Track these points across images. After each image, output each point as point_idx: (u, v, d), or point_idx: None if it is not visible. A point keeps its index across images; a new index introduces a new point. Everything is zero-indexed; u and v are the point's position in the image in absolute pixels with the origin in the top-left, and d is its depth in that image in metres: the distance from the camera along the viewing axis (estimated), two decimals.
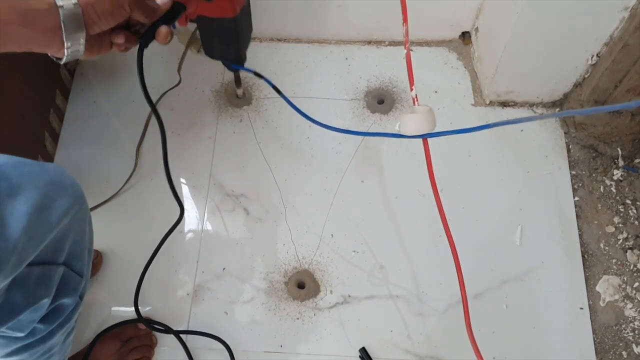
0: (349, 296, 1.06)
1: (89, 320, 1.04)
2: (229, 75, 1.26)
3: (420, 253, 1.10)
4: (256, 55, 1.29)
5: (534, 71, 1.14)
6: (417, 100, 0.82)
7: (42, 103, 1.15)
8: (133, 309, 0.95)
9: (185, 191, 1.16)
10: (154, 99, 1.19)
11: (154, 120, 1.20)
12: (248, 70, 1.13)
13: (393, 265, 1.09)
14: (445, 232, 0.84)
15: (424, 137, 0.82)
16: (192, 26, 1.21)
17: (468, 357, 1.00)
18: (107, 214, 1.12)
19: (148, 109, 1.21)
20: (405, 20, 0.83)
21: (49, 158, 1.16)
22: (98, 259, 1.06)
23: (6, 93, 1.02)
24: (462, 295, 0.84)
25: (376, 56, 1.30)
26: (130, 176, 1.15)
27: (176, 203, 0.82)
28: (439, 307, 1.05)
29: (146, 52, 0.66)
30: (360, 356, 1.01)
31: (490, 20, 1.16)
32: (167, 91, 1.21)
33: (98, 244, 1.10)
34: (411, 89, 0.82)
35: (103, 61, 1.28)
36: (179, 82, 1.21)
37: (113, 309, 1.05)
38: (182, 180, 1.16)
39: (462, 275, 0.84)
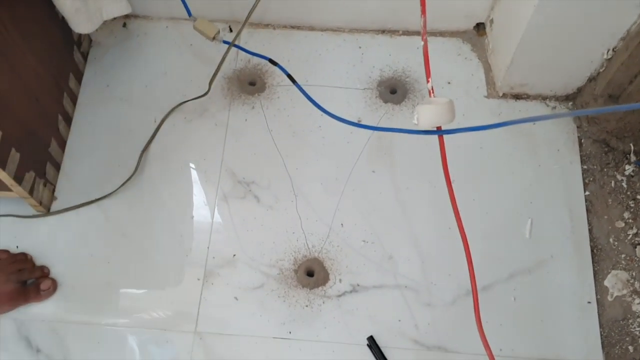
0: (358, 285, 1.07)
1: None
2: (241, 63, 1.26)
3: (429, 244, 1.10)
4: (269, 43, 1.29)
5: (548, 64, 1.14)
6: (432, 92, 0.82)
7: (56, 86, 1.15)
8: None
9: (195, 177, 1.16)
10: (178, 101, 1.20)
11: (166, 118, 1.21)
12: (263, 57, 1.14)
13: (402, 256, 1.09)
14: (458, 224, 0.84)
15: (439, 134, 0.83)
16: (208, 15, 1.22)
17: (475, 348, 1.01)
18: (122, 199, 1.13)
19: (161, 93, 1.22)
20: (423, 11, 0.83)
21: (62, 142, 1.17)
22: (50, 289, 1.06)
23: (22, 76, 1.02)
24: (472, 287, 0.85)
25: (390, 45, 1.29)
26: (139, 162, 1.16)
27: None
28: (447, 298, 1.06)
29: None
30: (368, 344, 1.02)
31: (506, 12, 1.15)
32: (190, 100, 1.21)
33: (114, 231, 1.11)
34: (427, 81, 0.82)
35: (116, 45, 1.28)
36: (206, 93, 1.21)
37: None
38: (193, 165, 1.17)
39: (472, 268, 0.85)
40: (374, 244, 1.10)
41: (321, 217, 1.12)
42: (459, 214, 0.84)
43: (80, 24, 1.07)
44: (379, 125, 1.20)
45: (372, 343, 1.01)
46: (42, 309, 1.05)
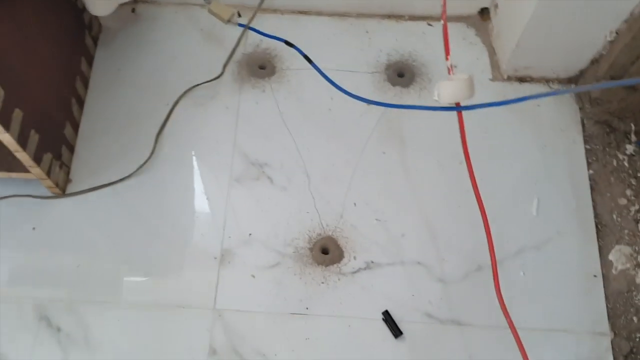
0: (372, 262, 1.10)
1: None
2: (251, 46, 1.28)
3: (439, 222, 1.13)
4: (278, 27, 1.30)
5: (552, 48, 1.17)
6: (452, 69, 0.85)
7: (69, 69, 1.16)
8: None
9: (209, 159, 1.18)
10: (189, 85, 1.21)
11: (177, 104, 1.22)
12: (279, 39, 1.16)
13: (413, 234, 1.12)
14: (477, 199, 0.88)
15: (458, 109, 0.86)
16: None
17: (487, 320, 1.05)
18: (137, 182, 1.15)
19: (171, 77, 1.24)
20: None
21: (76, 125, 1.18)
22: None
23: (40, 58, 1.03)
24: (492, 261, 0.89)
25: (396, 30, 1.32)
26: (155, 145, 1.17)
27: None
28: (459, 274, 1.09)
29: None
30: (383, 318, 1.05)
31: None
32: (204, 83, 1.23)
33: (130, 212, 1.12)
34: (447, 59, 0.85)
35: (125, 29, 1.29)
36: (219, 76, 1.22)
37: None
38: (206, 148, 1.18)
39: (492, 241, 0.88)
40: (386, 222, 1.13)
41: (334, 197, 1.15)
42: (477, 187, 0.87)
43: (98, 7, 1.09)
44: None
45: (388, 317, 1.04)
46: (61, 290, 1.06)
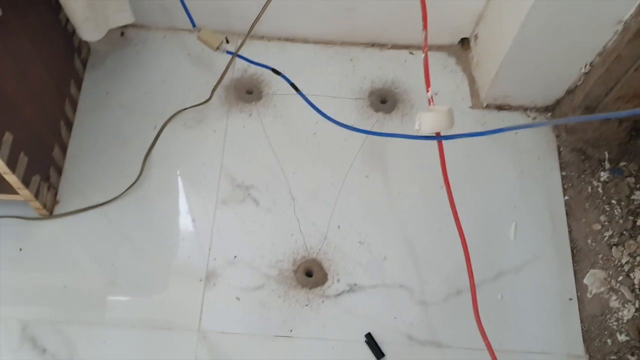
0: (355, 285, 1.12)
1: None
2: (239, 72, 1.31)
3: (421, 246, 1.16)
4: (265, 54, 1.34)
5: (530, 78, 1.22)
6: (432, 100, 0.89)
7: (59, 92, 1.18)
8: None
9: (196, 181, 1.20)
10: (177, 108, 1.24)
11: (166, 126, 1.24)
12: (266, 66, 1.19)
13: (396, 257, 1.15)
14: (456, 224, 0.91)
15: (438, 139, 0.89)
16: (212, 25, 1.25)
17: (466, 342, 1.08)
18: (124, 203, 1.16)
19: (159, 100, 1.26)
20: (425, 26, 0.89)
21: (64, 147, 1.19)
22: None
23: (31, 81, 1.05)
24: (470, 284, 0.91)
25: (379, 58, 1.36)
26: (143, 167, 1.19)
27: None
28: (439, 296, 1.12)
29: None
30: (366, 341, 1.07)
31: (490, 29, 1.23)
32: (191, 107, 1.25)
33: (117, 234, 1.14)
34: (427, 90, 0.88)
35: (114, 53, 1.32)
36: (207, 100, 1.25)
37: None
38: (193, 170, 1.21)
39: (471, 265, 0.91)
40: (370, 245, 1.15)
41: (318, 220, 1.17)
42: (457, 214, 0.90)
43: (88, 32, 1.11)
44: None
45: (370, 339, 1.06)
46: (47, 310, 1.07)
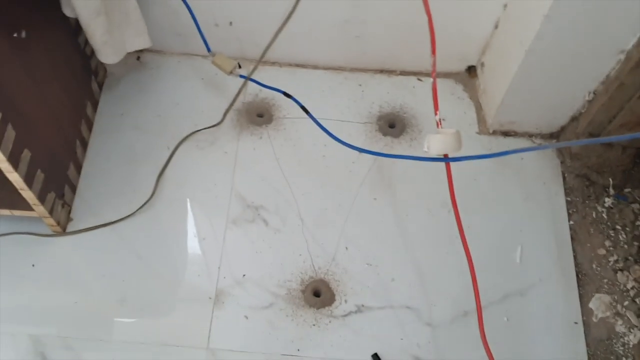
0: (363, 306, 1.13)
1: None
2: (250, 95, 1.34)
3: (428, 267, 1.17)
4: (276, 79, 1.37)
5: (534, 105, 1.24)
6: (440, 123, 0.91)
7: (75, 113, 1.21)
8: None
9: (207, 201, 1.22)
10: (190, 130, 1.27)
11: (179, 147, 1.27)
12: (278, 90, 1.22)
13: (403, 278, 1.16)
14: (464, 246, 0.92)
15: (446, 161, 0.91)
16: (225, 52, 1.29)
17: None
18: (136, 221, 1.19)
19: (172, 122, 1.29)
20: (433, 51, 0.92)
21: (79, 166, 1.22)
22: None
23: (49, 101, 1.08)
24: (477, 306, 0.92)
25: (388, 84, 1.39)
26: (156, 186, 1.21)
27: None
28: (446, 318, 1.13)
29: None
30: None
31: (497, 57, 1.26)
32: (204, 129, 1.29)
33: (128, 251, 1.15)
34: (436, 113, 0.91)
35: (130, 76, 1.35)
36: (219, 123, 1.28)
37: None
38: (204, 190, 1.23)
39: (477, 287, 0.92)
40: (377, 267, 1.17)
41: (326, 241, 1.19)
42: (464, 236, 0.92)
43: (107, 55, 1.14)
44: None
45: None
46: (58, 326, 1.08)
